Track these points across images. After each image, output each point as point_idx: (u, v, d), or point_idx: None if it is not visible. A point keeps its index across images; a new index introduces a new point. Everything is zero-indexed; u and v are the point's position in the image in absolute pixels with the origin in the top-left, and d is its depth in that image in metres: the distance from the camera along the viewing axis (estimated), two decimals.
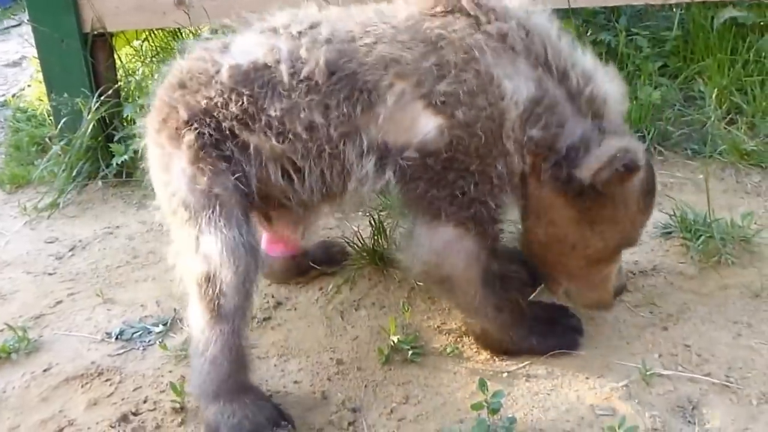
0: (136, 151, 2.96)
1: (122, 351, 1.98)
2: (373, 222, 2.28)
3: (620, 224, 1.72)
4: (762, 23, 3.07)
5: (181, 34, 3.19)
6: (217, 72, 1.66)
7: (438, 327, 1.96)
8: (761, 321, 1.87)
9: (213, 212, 1.61)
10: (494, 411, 1.57)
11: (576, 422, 1.61)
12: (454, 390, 1.73)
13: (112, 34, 3.06)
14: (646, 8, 3.20)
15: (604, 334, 1.87)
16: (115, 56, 3.18)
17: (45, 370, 1.92)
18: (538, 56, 1.65)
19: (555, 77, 1.66)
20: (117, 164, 2.96)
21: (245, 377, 1.67)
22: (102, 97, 2.93)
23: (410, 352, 1.84)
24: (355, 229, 2.35)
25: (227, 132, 1.65)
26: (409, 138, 1.61)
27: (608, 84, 1.72)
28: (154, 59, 3.28)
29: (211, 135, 1.64)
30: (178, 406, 1.73)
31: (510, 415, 1.60)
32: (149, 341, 2.01)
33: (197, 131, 1.63)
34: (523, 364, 1.79)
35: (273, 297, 2.15)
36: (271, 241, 2.12)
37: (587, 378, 1.74)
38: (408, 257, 1.76)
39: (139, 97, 3.07)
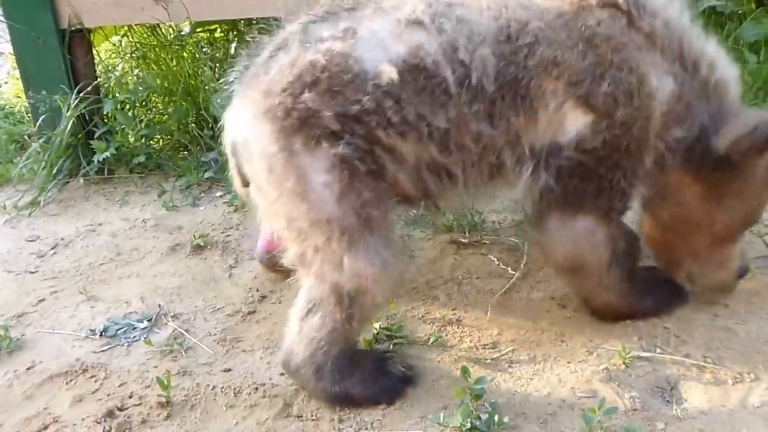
0: (118, 148, 2.96)
1: (107, 347, 1.98)
2: None
3: (746, 199, 1.77)
4: (740, 11, 3.12)
5: (161, 29, 3.18)
6: (364, 71, 1.52)
7: (422, 317, 1.98)
8: (738, 302, 1.91)
9: (369, 236, 1.56)
10: (477, 397, 1.60)
11: (557, 405, 1.64)
12: (438, 378, 1.75)
13: (89, 30, 3.04)
14: None
15: (586, 319, 1.90)
16: (94, 52, 3.16)
17: (28, 368, 1.91)
18: (674, 51, 1.67)
19: (688, 70, 1.68)
20: (98, 161, 2.95)
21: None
22: (81, 94, 2.92)
23: (394, 342, 1.86)
24: None
25: (377, 139, 1.55)
26: (565, 137, 1.62)
27: (727, 69, 1.75)
28: (133, 55, 3.27)
29: (360, 147, 1.54)
30: (164, 400, 1.73)
31: (493, 401, 1.62)
32: (134, 337, 2.01)
33: (347, 143, 1.52)
34: (506, 351, 1.82)
35: (257, 291, 2.16)
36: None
37: (569, 362, 1.76)
38: (543, 250, 1.80)
39: (119, 93, 3.06)
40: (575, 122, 1.61)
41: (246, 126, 1.60)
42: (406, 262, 1.72)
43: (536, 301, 1.99)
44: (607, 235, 1.73)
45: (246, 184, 1.70)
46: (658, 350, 1.78)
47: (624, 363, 1.73)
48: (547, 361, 1.78)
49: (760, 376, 1.67)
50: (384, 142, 1.55)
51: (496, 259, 2.17)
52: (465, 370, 1.61)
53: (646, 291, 1.88)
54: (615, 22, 1.62)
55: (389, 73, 1.51)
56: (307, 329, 1.66)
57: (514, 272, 2.10)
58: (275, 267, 2.09)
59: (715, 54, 1.73)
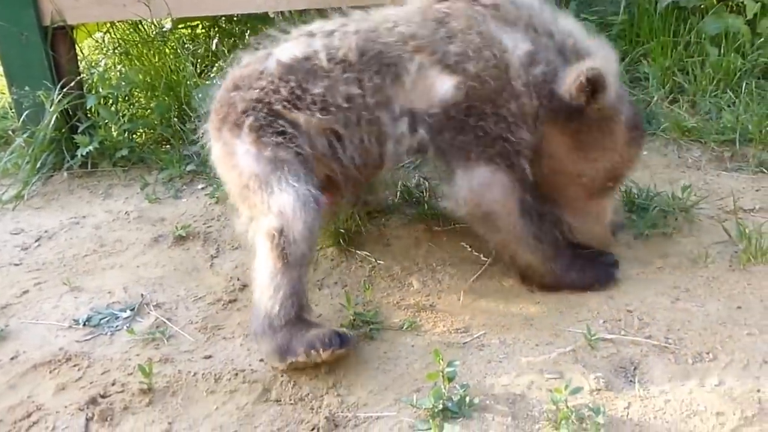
0: (101, 142, 3.00)
1: (90, 337, 2.02)
2: None
3: (608, 152, 1.96)
4: (702, 6, 3.20)
5: (143, 26, 3.22)
6: (265, 69, 1.98)
7: (397, 303, 2.04)
8: (698, 286, 1.99)
9: (282, 172, 1.86)
10: (449, 379, 1.66)
11: (526, 386, 1.70)
12: (411, 361, 1.82)
13: (72, 27, 3.07)
14: None
15: (553, 304, 1.98)
16: (77, 49, 3.19)
17: (12, 358, 1.95)
18: (526, 23, 1.95)
19: (544, 36, 1.95)
20: (82, 155, 2.98)
21: (306, 315, 1.84)
22: (64, 90, 2.95)
23: (369, 328, 1.92)
24: None
25: (278, 113, 1.93)
26: (432, 98, 1.91)
27: (592, 42, 1.99)
28: (116, 51, 3.30)
29: (265, 117, 1.93)
30: (146, 387, 1.78)
31: (464, 383, 1.68)
32: (117, 326, 2.05)
33: (253, 116, 1.93)
34: (478, 335, 1.88)
35: (238, 279, 2.21)
36: None
37: (537, 345, 1.83)
38: (451, 202, 1.97)
39: (102, 89, 3.10)
40: (444, 83, 1.90)
41: (209, 135, 2.08)
42: (321, 199, 1.88)
43: (507, 286, 2.06)
44: (506, 182, 1.92)
45: None
46: (622, 332, 1.85)
47: (589, 345, 1.80)
48: (517, 344, 1.85)
49: (718, 356, 1.75)
50: (284, 115, 1.94)
51: (469, 247, 2.23)
52: (437, 354, 1.67)
53: (573, 264, 2.01)
54: (461, 4, 1.96)
55: (276, 65, 1.98)
56: (257, 284, 1.85)
57: (486, 259, 2.17)
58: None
59: (571, 26, 2.00)
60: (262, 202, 1.86)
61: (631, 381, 1.71)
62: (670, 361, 1.75)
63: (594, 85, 1.85)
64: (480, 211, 1.94)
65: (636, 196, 2.31)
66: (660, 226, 2.23)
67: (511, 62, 1.90)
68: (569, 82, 1.87)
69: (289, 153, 1.89)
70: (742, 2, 3.21)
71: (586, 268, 2.02)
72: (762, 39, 3.10)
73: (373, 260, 2.20)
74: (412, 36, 1.93)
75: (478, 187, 1.91)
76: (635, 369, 1.75)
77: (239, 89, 1.98)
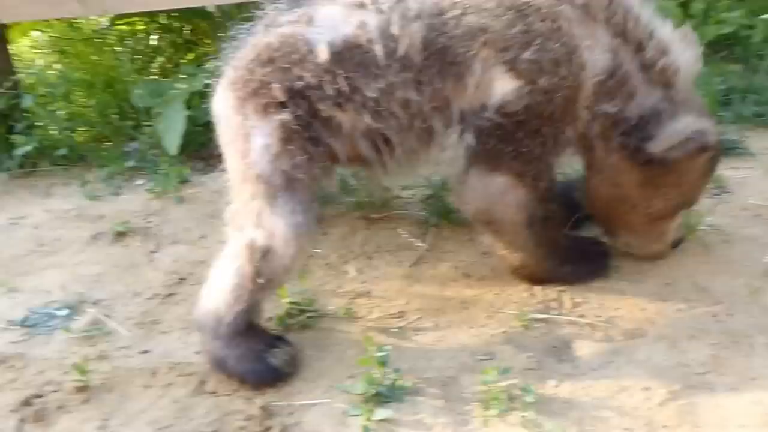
0: (40, 141, 2.95)
1: (26, 337, 1.99)
2: None
3: (683, 189, 1.87)
4: None
5: (80, 23, 3.17)
6: (310, 51, 1.69)
7: (334, 291, 2.05)
8: (629, 264, 2.02)
9: (292, 195, 1.69)
10: (381, 364, 1.66)
11: (458, 368, 1.72)
12: (346, 348, 1.82)
13: (5, 26, 3.01)
14: None
15: (488, 286, 2.00)
16: (11, 48, 3.13)
17: None
18: (617, 26, 1.74)
19: (631, 48, 1.75)
20: (20, 155, 2.93)
21: (256, 324, 1.80)
22: None
23: (306, 316, 1.93)
24: None
25: (319, 112, 1.70)
26: (488, 99, 1.71)
27: (683, 53, 1.80)
28: (53, 49, 3.25)
29: (302, 116, 1.69)
30: (81, 385, 1.76)
31: (396, 367, 1.69)
32: (54, 325, 2.02)
33: (289, 112, 1.68)
34: (413, 320, 1.90)
35: (177, 274, 2.20)
36: None
37: (470, 327, 1.85)
38: (460, 200, 1.88)
39: (39, 88, 3.05)
40: (502, 86, 1.70)
41: (218, 94, 1.81)
42: (316, 232, 1.80)
43: (442, 271, 2.08)
44: (521, 198, 1.80)
45: None
46: (554, 312, 1.87)
47: (522, 325, 1.83)
48: (450, 327, 1.86)
49: (647, 332, 1.78)
50: (323, 114, 1.70)
51: (405, 233, 2.24)
52: (368, 340, 1.68)
53: (566, 259, 1.96)
54: None
55: (323, 54, 1.67)
56: (218, 280, 1.76)
57: (422, 245, 2.18)
58: None
59: (668, 37, 1.79)
60: (257, 211, 1.70)
61: (562, 359, 1.73)
62: (600, 339, 1.78)
63: (701, 151, 1.78)
64: (487, 217, 1.86)
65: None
66: None
67: (584, 83, 1.72)
68: (667, 144, 1.76)
69: (308, 174, 1.70)
70: None
71: (579, 262, 1.98)
72: (694, 21, 3.16)
73: (309, 249, 2.20)
74: (482, 29, 1.68)
75: (492, 195, 1.81)
76: (567, 348, 1.77)
77: (273, 64, 1.69)
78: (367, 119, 1.70)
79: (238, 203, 1.75)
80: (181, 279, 2.17)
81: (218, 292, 1.75)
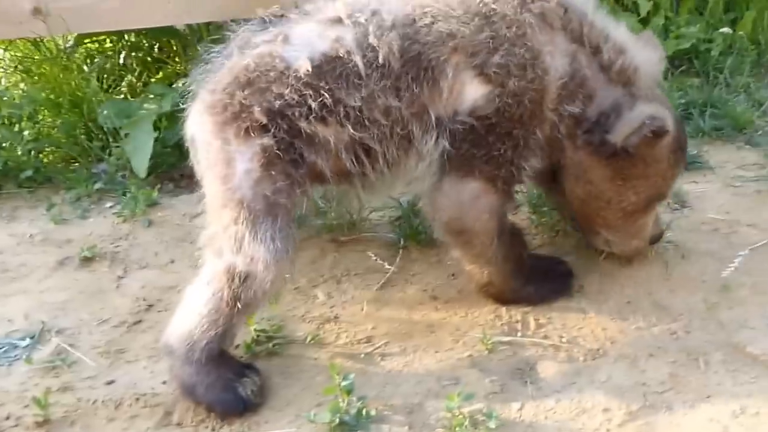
0: (5, 163, 2.92)
1: None
2: None
3: (651, 179, 1.92)
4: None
5: (44, 42, 3.14)
6: (287, 68, 1.71)
7: (302, 316, 2.05)
8: (592, 283, 2.06)
9: (273, 221, 1.71)
10: (347, 392, 1.67)
11: (424, 394, 1.74)
12: (313, 375, 1.83)
13: None
14: None
15: (454, 309, 2.02)
16: None
17: None
18: (573, 32, 1.82)
19: (588, 51, 1.84)
20: None
21: (227, 351, 1.81)
22: None
23: (273, 343, 1.93)
24: None
25: (301, 130, 1.72)
26: (461, 104, 1.76)
27: (641, 52, 1.90)
28: (17, 69, 3.22)
29: (284, 138, 1.71)
30: (41, 419, 1.74)
31: (362, 395, 1.70)
32: (15, 356, 1.99)
33: (270, 136, 1.69)
34: (379, 345, 1.91)
35: (145, 300, 2.18)
36: None
37: (436, 352, 1.87)
38: (432, 208, 1.90)
39: (3, 108, 3.01)
40: (472, 91, 1.75)
41: (194, 119, 1.81)
42: (295, 257, 1.80)
43: (410, 294, 2.10)
44: (493, 204, 1.85)
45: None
46: (519, 334, 1.90)
47: (487, 349, 1.85)
48: (417, 351, 1.88)
49: (608, 352, 1.82)
50: (306, 130, 1.72)
51: (373, 255, 2.25)
52: (334, 368, 1.69)
53: (530, 278, 2.00)
54: (510, 2, 1.79)
55: (305, 67, 1.70)
56: (193, 304, 1.77)
57: (390, 267, 2.20)
58: None
59: (624, 38, 1.88)
60: (237, 237, 1.70)
61: (526, 382, 1.76)
62: (563, 360, 1.82)
63: (655, 135, 1.81)
64: (459, 225, 1.88)
65: (537, 197, 2.36)
66: (557, 225, 2.30)
67: (549, 87, 1.79)
68: (624, 132, 1.81)
69: (290, 199, 1.73)
70: (636, 1, 3.34)
71: (543, 281, 2.02)
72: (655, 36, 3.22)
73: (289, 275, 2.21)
74: (451, 35, 1.74)
75: (465, 201, 1.84)
76: (531, 370, 1.80)
77: (252, 86, 1.71)
78: (350, 130, 1.73)
79: (217, 227, 1.76)
80: (149, 305, 2.16)
81: (192, 316, 1.75)
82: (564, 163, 1.94)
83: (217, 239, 1.76)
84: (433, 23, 1.75)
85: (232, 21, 2.06)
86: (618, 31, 1.89)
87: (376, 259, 2.24)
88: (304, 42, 1.75)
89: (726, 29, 3.39)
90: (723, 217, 2.33)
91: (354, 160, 1.78)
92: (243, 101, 1.70)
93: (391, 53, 1.72)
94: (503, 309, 1.99)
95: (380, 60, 1.72)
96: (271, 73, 1.71)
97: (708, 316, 1.90)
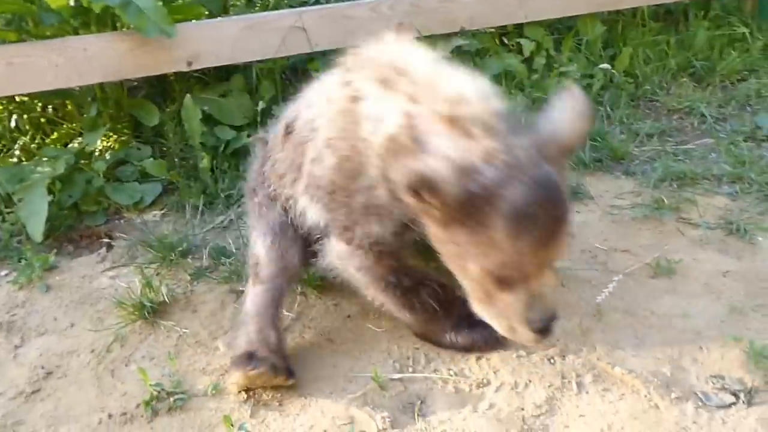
0: None
1: None
2: (142, 275, 2.40)
3: (487, 248, 1.58)
4: (483, 48, 3.51)
5: None
6: None
7: (203, 368, 2.09)
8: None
9: (259, 222, 2.19)
10: None
11: None
12: (213, 426, 1.88)
13: None
14: None
15: (348, 350, 2.10)
16: None
17: None
18: (397, 89, 1.68)
19: (414, 106, 1.65)
20: None
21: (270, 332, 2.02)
22: None
23: (173, 399, 1.97)
24: (125, 284, 2.44)
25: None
26: (321, 177, 1.89)
27: (482, 98, 1.67)
28: None
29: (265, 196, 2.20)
30: None
31: None
32: None
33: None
34: (278, 393, 1.97)
35: (43, 368, 2.17)
36: None
37: (331, 393, 1.94)
38: (323, 261, 2.03)
39: None
40: (328, 159, 1.84)
41: None
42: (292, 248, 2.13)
43: (308, 338, 2.17)
44: (359, 263, 1.94)
45: None
46: (410, 369, 2.00)
47: (379, 386, 1.94)
48: (314, 394, 1.95)
49: (491, 381, 1.93)
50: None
51: None
52: (227, 419, 1.74)
53: (457, 326, 2.02)
54: (339, 80, 1.88)
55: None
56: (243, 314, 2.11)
57: (288, 314, 2.27)
58: None
59: (463, 86, 1.71)
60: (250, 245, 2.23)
61: (416, 416, 1.85)
62: (451, 392, 1.92)
63: (424, 188, 1.53)
64: (345, 277, 2.03)
65: None
66: None
67: (369, 151, 1.71)
68: (398, 183, 1.59)
69: (270, 209, 2.19)
70: (519, 42, 3.56)
71: (470, 331, 2.02)
72: (537, 75, 3.44)
73: (179, 329, 2.25)
74: (313, 118, 1.93)
75: (338, 259, 1.98)
76: (422, 403, 1.89)
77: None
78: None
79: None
80: (48, 373, 2.14)
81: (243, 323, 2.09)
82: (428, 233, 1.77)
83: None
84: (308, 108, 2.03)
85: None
86: (459, 77, 1.73)
87: None
88: None
89: (605, 65, 3.66)
90: (601, 245, 2.51)
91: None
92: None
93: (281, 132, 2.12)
94: (395, 345, 2.08)
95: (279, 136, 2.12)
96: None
97: (582, 341, 2.05)
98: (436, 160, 1.55)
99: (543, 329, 1.72)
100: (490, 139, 1.57)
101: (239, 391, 1.96)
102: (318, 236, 2.04)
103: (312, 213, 2.00)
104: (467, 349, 2.05)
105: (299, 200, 2.03)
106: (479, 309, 1.76)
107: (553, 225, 1.58)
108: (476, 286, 1.71)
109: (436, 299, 1.96)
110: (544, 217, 1.55)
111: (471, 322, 1.92)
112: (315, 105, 1.96)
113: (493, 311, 1.72)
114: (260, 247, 2.15)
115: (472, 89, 1.67)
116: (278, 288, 2.10)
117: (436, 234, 1.68)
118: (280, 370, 1.94)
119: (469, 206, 1.54)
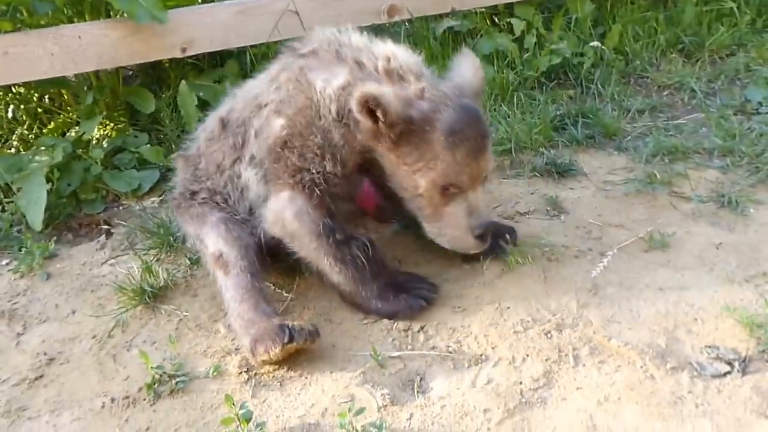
0: None
1: None
2: (141, 261, 2.42)
3: (431, 161, 2.02)
4: (474, 28, 3.50)
5: None
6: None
7: (204, 351, 2.12)
8: (475, 292, 2.20)
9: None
10: (246, 420, 1.76)
11: (320, 414, 1.84)
12: (215, 407, 1.90)
13: None
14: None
15: (347, 330, 2.13)
16: None
17: None
18: (341, 58, 2.14)
19: (356, 66, 2.11)
20: None
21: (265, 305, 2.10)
22: None
23: (175, 381, 1.99)
24: (125, 271, 2.47)
25: None
26: (268, 137, 2.17)
27: (409, 57, 2.14)
28: None
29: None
30: None
31: (261, 420, 1.79)
32: None
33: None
34: (279, 371, 1.99)
35: (45, 354, 2.20)
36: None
37: (331, 372, 1.97)
38: (265, 222, 2.19)
39: None
40: (275, 124, 2.16)
41: None
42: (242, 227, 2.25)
43: (307, 318, 2.18)
44: (302, 206, 2.10)
45: None
46: (409, 347, 2.03)
47: (378, 364, 1.97)
48: (314, 374, 1.98)
49: (489, 356, 1.96)
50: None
51: (271, 285, 2.34)
52: (229, 398, 1.76)
53: (382, 293, 2.14)
54: (290, 57, 2.27)
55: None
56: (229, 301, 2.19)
57: (288, 294, 2.29)
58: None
59: (388, 49, 2.13)
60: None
61: (415, 393, 1.88)
62: (450, 368, 1.94)
63: (371, 107, 1.95)
64: (283, 230, 2.15)
65: None
66: None
67: (321, 102, 2.10)
68: (353, 107, 1.99)
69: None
70: (509, 22, 3.56)
71: (392, 299, 2.13)
72: (529, 53, 3.44)
73: (180, 313, 2.27)
74: (256, 97, 2.26)
75: (279, 208, 2.14)
76: (421, 380, 1.92)
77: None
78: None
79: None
80: (50, 359, 2.17)
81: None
82: (381, 163, 2.12)
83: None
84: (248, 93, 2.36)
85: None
86: (382, 45, 2.16)
87: (275, 288, 2.33)
88: None
89: (595, 43, 3.66)
90: (595, 221, 2.52)
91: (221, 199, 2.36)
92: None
93: (216, 126, 2.38)
94: (393, 324, 2.11)
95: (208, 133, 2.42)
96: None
97: (578, 315, 2.07)
98: (383, 89, 1.98)
99: (482, 235, 2.12)
100: (421, 83, 2.06)
101: (264, 366, 2.01)
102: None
103: (254, 183, 2.24)
104: (390, 316, 2.14)
105: (243, 174, 2.27)
106: (429, 228, 2.17)
107: (479, 140, 2.05)
108: (426, 203, 2.10)
109: (365, 255, 2.14)
110: (472, 132, 2.03)
111: (395, 292, 2.16)
112: (253, 90, 2.31)
113: (441, 224, 2.13)
114: (215, 241, 2.22)
115: (401, 51, 2.15)
116: (252, 263, 2.16)
117: (389, 160, 2.08)
118: (314, 333, 2.00)
119: (413, 127, 2.00)
